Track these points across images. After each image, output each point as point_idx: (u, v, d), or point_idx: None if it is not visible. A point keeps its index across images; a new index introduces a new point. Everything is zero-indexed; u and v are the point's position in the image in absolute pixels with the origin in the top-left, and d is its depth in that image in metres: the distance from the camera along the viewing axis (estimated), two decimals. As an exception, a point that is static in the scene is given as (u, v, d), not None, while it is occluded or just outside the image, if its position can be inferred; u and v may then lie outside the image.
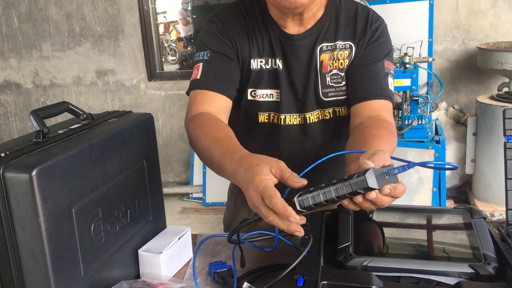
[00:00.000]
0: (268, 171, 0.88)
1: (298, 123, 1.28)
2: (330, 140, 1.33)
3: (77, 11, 3.97)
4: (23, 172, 0.82)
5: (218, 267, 1.14)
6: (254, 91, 1.26)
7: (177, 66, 8.24)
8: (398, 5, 3.09)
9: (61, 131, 1.02)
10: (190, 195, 3.96)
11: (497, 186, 3.00)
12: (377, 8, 2.93)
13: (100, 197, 1.00)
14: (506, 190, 1.18)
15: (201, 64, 1.24)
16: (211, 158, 1.10)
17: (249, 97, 1.27)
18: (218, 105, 1.21)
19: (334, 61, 1.25)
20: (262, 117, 1.29)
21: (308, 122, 1.28)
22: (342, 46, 1.24)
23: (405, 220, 1.19)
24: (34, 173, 0.82)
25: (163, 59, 4.82)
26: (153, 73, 4.04)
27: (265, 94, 1.26)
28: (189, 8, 9.07)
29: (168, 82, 4.00)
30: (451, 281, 0.95)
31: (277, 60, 1.24)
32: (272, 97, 1.26)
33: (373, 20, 1.25)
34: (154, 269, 1.13)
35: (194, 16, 5.12)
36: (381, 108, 1.21)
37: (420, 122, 2.72)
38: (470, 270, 0.97)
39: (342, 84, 1.26)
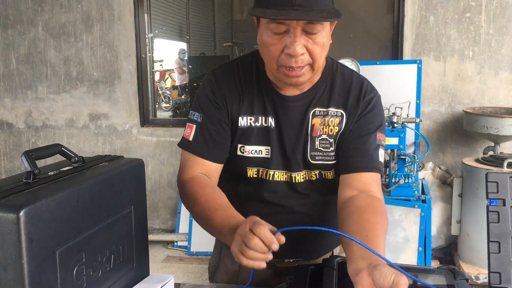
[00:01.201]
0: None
1: (285, 179, 1.30)
2: (316, 197, 1.35)
3: (75, 56, 4.06)
4: (11, 212, 0.83)
5: (199, 318, 1.13)
6: (243, 147, 1.29)
7: (170, 113, 8.33)
8: (388, 67, 3.20)
9: (51, 173, 1.03)
10: (175, 243, 3.90)
11: (482, 248, 3.01)
12: (368, 69, 3.06)
13: (85, 240, 1.00)
14: (489, 253, 1.20)
15: (194, 125, 1.30)
16: (207, 223, 1.19)
17: (238, 153, 1.30)
18: (208, 170, 1.29)
19: (324, 127, 1.28)
20: (251, 172, 1.31)
21: (294, 181, 1.30)
22: (334, 113, 1.28)
23: (388, 278, 1.19)
24: (21, 213, 0.83)
25: (156, 106, 4.89)
26: (146, 119, 4.08)
27: (254, 150, 1.29)
28: (186, 58, 9.30)
29: (160, 129, 4.04)
30: None
31: (269, 118, 1.27)
32: (262, 153, 1.29)
33: (366, 92, 1.29)
34: (134, 317, 1.11)
35: (190, 66, 5.24)
36: (371, 182, 1.24)
37: (407, 180, 2.76)
38: (451, 332, 0.98)
39: (330, 150, 1.29)
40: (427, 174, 3.45)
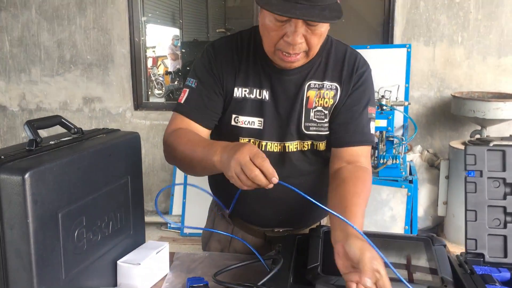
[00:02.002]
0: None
1: (278, 150, 1.35)
2: (307, 168, 1.41)
3: (69, 39, 4.07)
4: (17, 174, 0.89)
5: (194, 282, 1.19)
6: (237, 117, 1.33)
7: (163, 99, 8.34)
8: (378, 51, 3.26)
9: (52, 142, 1.09)
10: (169, 225, 3.97)
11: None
12: (358, 52, 3.10)
13: (86, 206, 1.06)
14: (466, 221, 1.27)
15: (188, 90, 1.35)
16: (191, 158, 1.21)
17: (233, 123, 1.34)
18: (193, 131, 1.32)
19: (320, 99, 1.33)
20: (244, 141, 1.35)
21: (287, 150, 1.35)
22: (329, 86, 1.33)
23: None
24: (26, 175, 0.89)
25: (149, 92, 4.91)
26: (140, 103, 4.11)
27: (247, 121, 1.33)
28: (179, 44, 9.29)
29: (154, 112, 4.08)
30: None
31: (264, 91, 1.32)
32: (254, 125, 1.33)
33: (359, 65, 1.34)
34: (132, 280, 1.18)
35: (184, 51, 5.26)
36: (360, 154, 1.32)
37: (394, 161, 2.83)
38: (429, 291, 1.05)
39: (324, 121, 1.34)
40: (415, 157, 3.53)
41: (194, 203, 3.79)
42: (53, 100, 4.20)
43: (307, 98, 1.32)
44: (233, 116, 1.34)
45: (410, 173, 2.95)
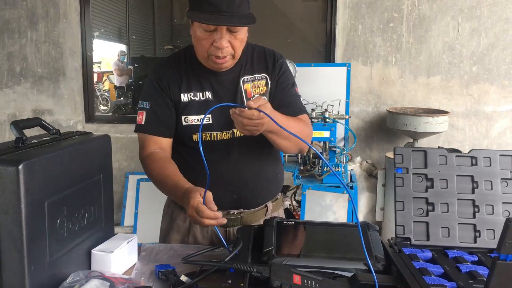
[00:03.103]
0: (197, 195, 1.32)
1: (227, 138, 1.60)
2: (253, 149, 1.65)
3: (19, 52, 4.08)
4: (12, 165, 1.01)
5: (163, 268, 1.33)
6: (187, 117, 1.59)
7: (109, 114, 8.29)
8: (321, 69, 3.53)
9: (35, 141, 1.22)
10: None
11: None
12: (303, 70, 3.38)
13: (66, 198, 1.19)
14: (395, 211, 1.49)
15: (144, 112, 1.61)
16: (164, 188, 1.53)
17: (183, 123, 1.59)
18: (161, 145, 1.61)
19: (256, 88, 1.63)
20: (196, 137, 1.59)
21: (235, 136, 1.61)
22: (259, 77, 1.64)
23: (316, 231, 1.46)
24: (20, 166, 1.02)
25: (94, 107, 4.95)
26: (91, 116, 4.17)
27: (196, 119, 1.59)
28: (125, 60, 9.29)
29: (105, 125, 4.14)
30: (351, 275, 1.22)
31: (207, 92, 1.60)
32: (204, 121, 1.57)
33: (278, 57, 1.68)
34: (105, 267, 1.30)
35: (130, 67, 5.37)
36: (304, 120, 1.66)
37: (337, 169, 3.08)
38: (364, 267, 1.26)
39: None
40: (355, 167, 3.81)
41: (146, 214, 3.88)
42: (1, 113, 4.17)
43: (245, 90, 1.62)
44: (183, 117, 1.59)
45: (351, 180, 3.20)
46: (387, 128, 3.85)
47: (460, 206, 1.46)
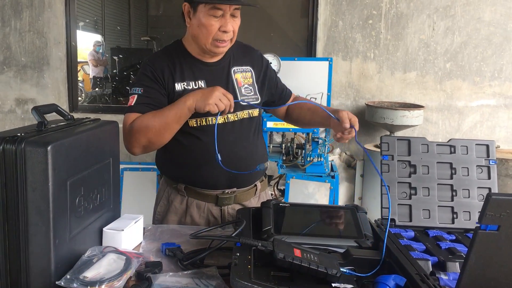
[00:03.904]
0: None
1: (221, 122, 1.72)
2: (245, 134, 1.79)
3: (2, 41, 4.07)
4: (42, 146, 1.10)
5: (169, 245, 1.43)
6: None
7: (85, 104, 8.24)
8: (304, 63, 3.65)
9: (53, 125, 1.30)
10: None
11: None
12: (287, 64, 3.50)
13: (83, 178, 1.28)
14: (381, 194, 1.63)
15: (135, 96, 1.68)
16: (165, 122, 1.60)
17: None
18: None
19: (244, 79, 1.80)
20: (192, 122, 1.70)
21: (230, 120, 1.74)
22: (246, 69, 1.82)
23: (311, 212, 1.59)
24: (49, 147, 1.10)
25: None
26: (75, 105, 4.20)
27: None
28: (101, 50, 9.23)
29: (89, 115, 4.15)
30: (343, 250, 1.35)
31: (199, 82, 1.72)
32: None
33: (258, 52, 1.91)
34: (116, 244, 1.39)
35: (121, 56, 5.38)
36: (295, 96, 2.04)
37: (319, 159, 3.22)
38: (355, 244, 1.39)
39: (252, 94, 1.80)
40: (335, 158, 3.96)
41: (131, 203, 3.94)
42: (-17, 101, 4.17)
43: (236, 79, 1.78)
44: None
45: (332, 170, 3.34)
46: (366, 121, 4.01)
47: (440, 190, 1.60)
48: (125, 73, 5.12)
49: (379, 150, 3.54)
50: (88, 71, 9.85)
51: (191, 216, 1.78)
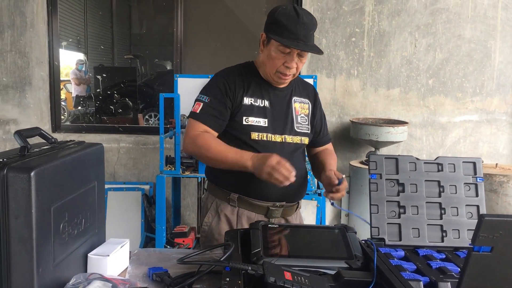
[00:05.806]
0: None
1: (280, 141, 1.87)
2: (298, 153, 1.95)
3: (-17, 61, 4.02)
4: (25, 172, 1.07)
5: (156, 270, 1.40)
6: (247, 118, 1.84)
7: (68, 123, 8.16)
8: (289, 81, 3.68)
9: (37, 149, 1.26)
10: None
11: (366, 235, 3.54)
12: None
13: (68, 203, 1.24)
14: (370, 213, 1.62)
15: (201, 103, 1.84)
16: (223, 161, 1.76)
17: (244, 122, 1.83)
18: None
19: (302, 109, 1.97)
20: (254, 135, 1.84)
21: (286, 141, 1.89)
22: (305, 101, 1.99)
23: (300, 234, 1.57)
24: (32, 173, 1.07)
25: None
26: (58, 125, 4.14)
27: (255, 120, 1.84)
28: (83, 69, 9.19)
29: (73, 135, 4.12)
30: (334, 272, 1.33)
31: (265, 101, 1.88)
32: (261, 123, 1.85)
33: (315, 90, 2.07)
34: (101, 270, 1.35)
35: (105, 75, 5.34)
36: (332, 151, 2.14)
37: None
38: (345, 265, 1.37)
39: (306, 123, 1.97)
40: (321, 175, 3.95)
41: (114, 224, 3.88)
42: (-37, 122, 4.08)
43: (295, 108, 1.95)
44: (244, 117, 1.84)
45: (318, 187, 3.33)
46: (350, 137, 4.03)
47: (429, 208, 1.60)
48: (108, 92, 5.08)
49: (364, 166, 3.56)
50: (70, 90, 9.78)
51: (242, 226, 1.84)
